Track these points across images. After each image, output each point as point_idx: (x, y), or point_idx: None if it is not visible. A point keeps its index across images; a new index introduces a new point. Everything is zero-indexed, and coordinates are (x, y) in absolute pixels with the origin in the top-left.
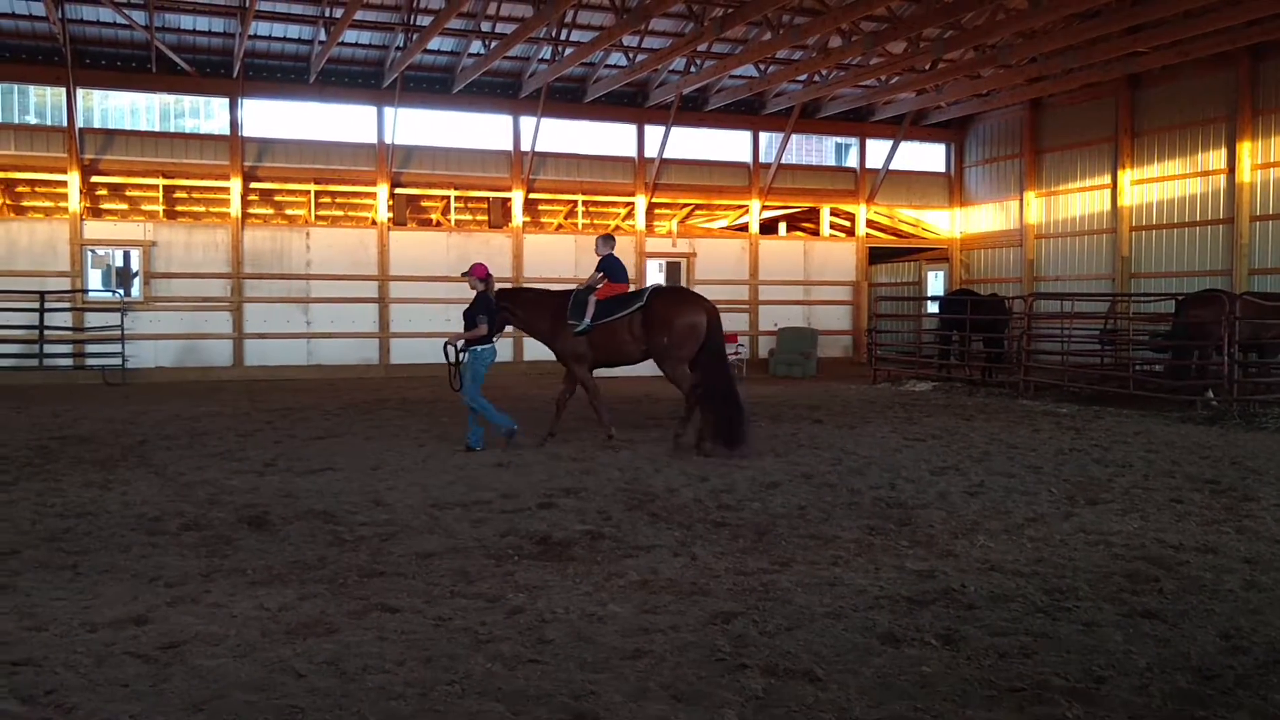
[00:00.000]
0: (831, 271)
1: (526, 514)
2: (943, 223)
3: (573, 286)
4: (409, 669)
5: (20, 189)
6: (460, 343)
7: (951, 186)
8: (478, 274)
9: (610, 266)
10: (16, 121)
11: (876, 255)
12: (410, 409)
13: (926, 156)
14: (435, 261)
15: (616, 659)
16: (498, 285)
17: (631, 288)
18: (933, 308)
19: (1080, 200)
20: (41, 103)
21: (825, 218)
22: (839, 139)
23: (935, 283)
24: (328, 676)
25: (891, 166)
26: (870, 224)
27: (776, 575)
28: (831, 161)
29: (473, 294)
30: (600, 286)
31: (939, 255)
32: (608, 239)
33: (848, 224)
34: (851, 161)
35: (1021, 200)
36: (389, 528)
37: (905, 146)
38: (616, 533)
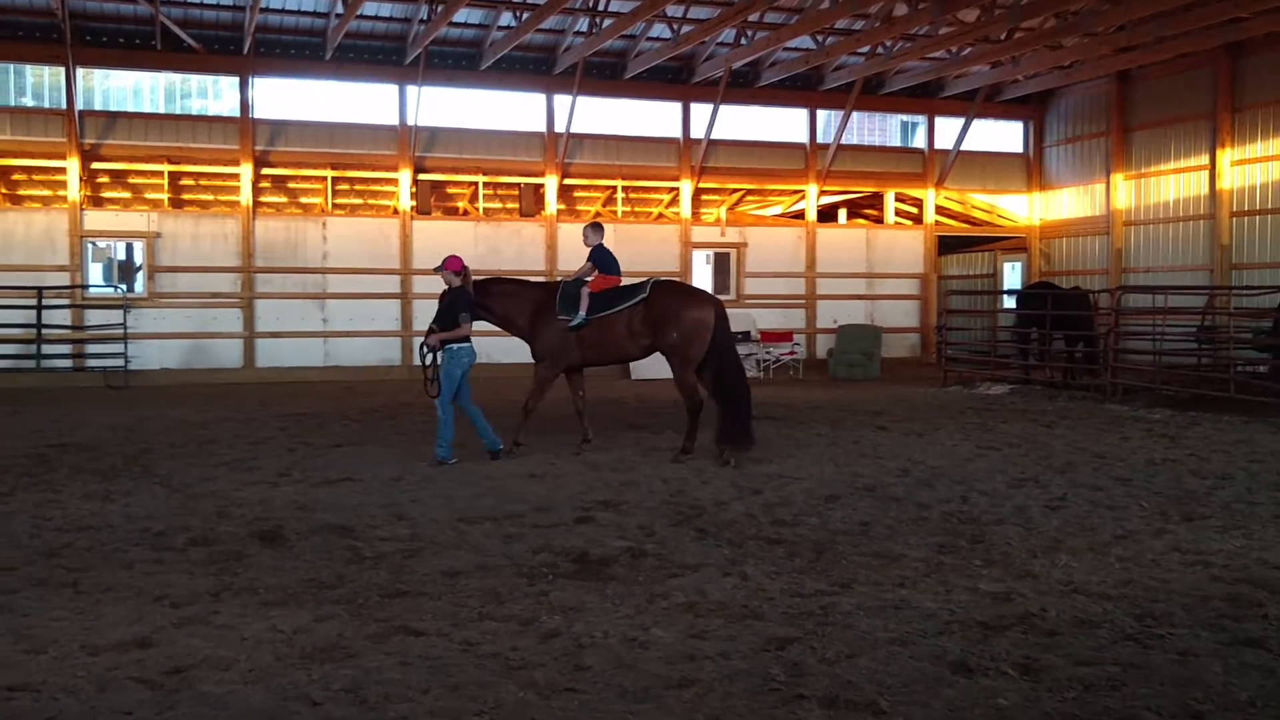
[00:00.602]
0: (897, 263)
1: (562, 529)
2: (1020, 209)
3: (557, 279)
4: (434, 698)
5: (16, 176)
6: (431, 343)
7: (1029, 168)
8: (452, 267)
9: (602, 257)
10: (12, 104)
11: (946, 245)
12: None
13: (1001, 136)
14: (462, 253)
15: (660, 688)
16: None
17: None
18: (1009, 302)
19: (1174, 183)
20: (39, 83)
21: (889, 203)
22: (905, 117)
23: (1011, 275)
24: (346, 705)
25: (963, 147)
26: (939, 210)
27: (836, 597)
28: (896, 142)
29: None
30: (591, 279)
31: (1016, 244)
32: (597, 227)
33: (914, 210)
34: (919, 141)
35: (1108, 183)
36: (412, 544)
37: (978, 125)
38: (660, 550)
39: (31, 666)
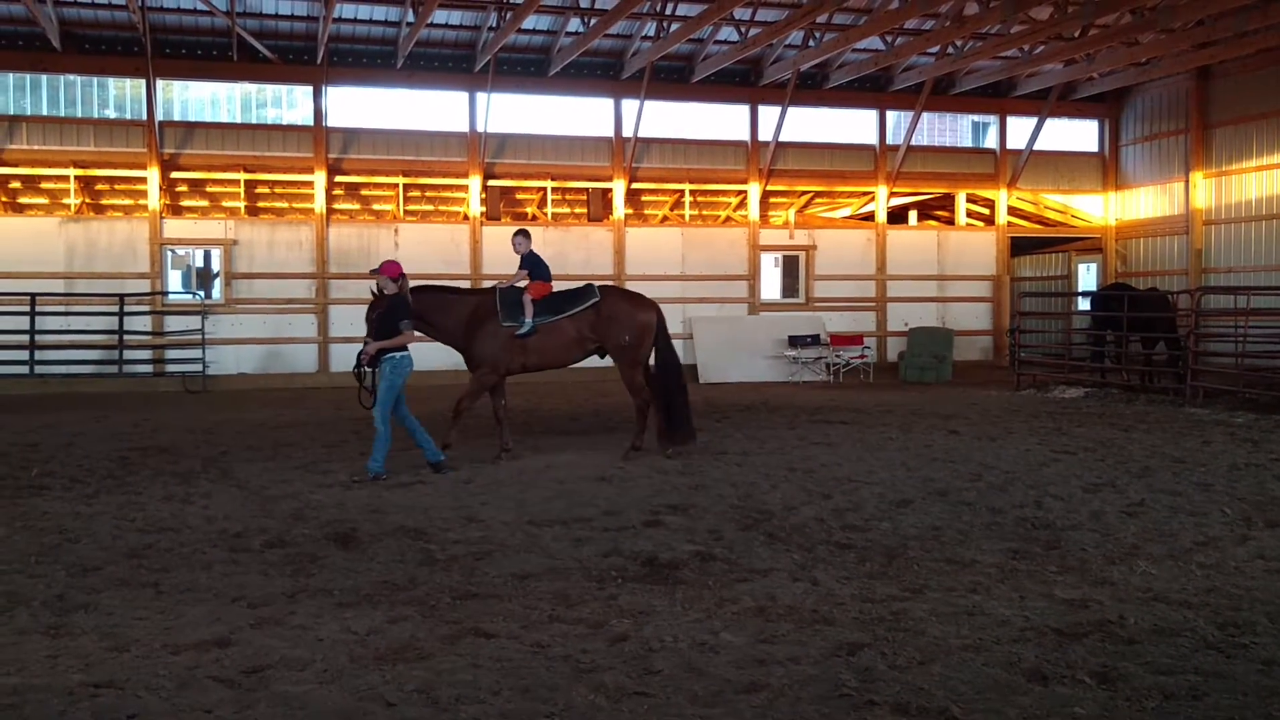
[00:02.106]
0: (968, 265)
1: (631, 533)
2: (1095, 209)
3: (485, 286)
4: (505, 699)
5: (100, 186)
6: (369, 352)
7: (1105, 168)
8: (389, 273)
9: (534, 264)
10: (96, 116)
11: (1019, 246)
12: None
13: (1076, 135)
14: None
15: (730, 693)
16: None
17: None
18: (1084, 304)
19: (1257, 181)
20: (121, 96)
21: (961, 205)
22: (976, 117)
23: (1087, 276)
24: (419, 706)
25: (1036, 146)
26: (1012, 211)
27: (908, 603)
28: (968, 142)
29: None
30: (525, 285)
31: (1091, 245)
32: (525, 234)
33: (986, 211)
34: (990, 142)
35: (1187, 182)
36: (483, 546)
37: (1051, 124)
38: (729, 554)
39: (115, 664)
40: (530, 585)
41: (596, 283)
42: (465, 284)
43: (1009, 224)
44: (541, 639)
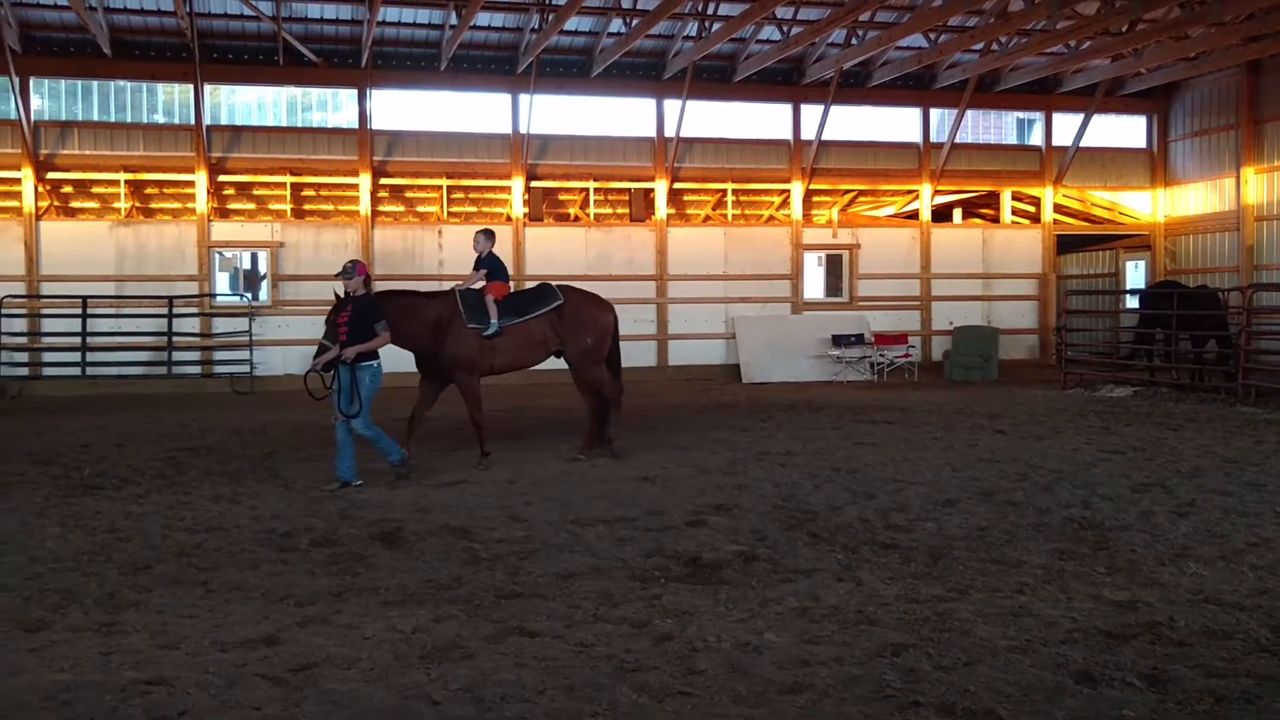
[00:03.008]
0: (1014, 263)
1: (674, 532)
2: (1143, 205)
3: (446, 288)
4: (549, 698)
5: (149, 190)
6: (348, 356)
7: (1153, 164)
8: (362, 273)
9: (494, 265)
10: (145, 121)
11: (1065, 244)
12: (548, 417)
13: (1123, 131)
14: (573, 260)
15: (774, 693)
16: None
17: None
18: (1132, 302)
19: None
20: (169, 101)
21: (1006, 202)
22: (1021, 114)
23: (1135, 274)
24: (464, 704)
25: (1082, 143)
26: (1058, 208)
27: (953, 604)
28: (1013, 139)
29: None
30: (482, 285)
31: (1138, 242)
32: (489, 234)
33: (1032, 209)
34: (1035, 139)
35: (1238, 178)
36: (527, 545)
37: (1098, 120)
38: (773, 554)
39: (165, 662)
40: (574, 585)
41: (634, 281)
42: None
43: (1055, 221)
44: (585, 638)
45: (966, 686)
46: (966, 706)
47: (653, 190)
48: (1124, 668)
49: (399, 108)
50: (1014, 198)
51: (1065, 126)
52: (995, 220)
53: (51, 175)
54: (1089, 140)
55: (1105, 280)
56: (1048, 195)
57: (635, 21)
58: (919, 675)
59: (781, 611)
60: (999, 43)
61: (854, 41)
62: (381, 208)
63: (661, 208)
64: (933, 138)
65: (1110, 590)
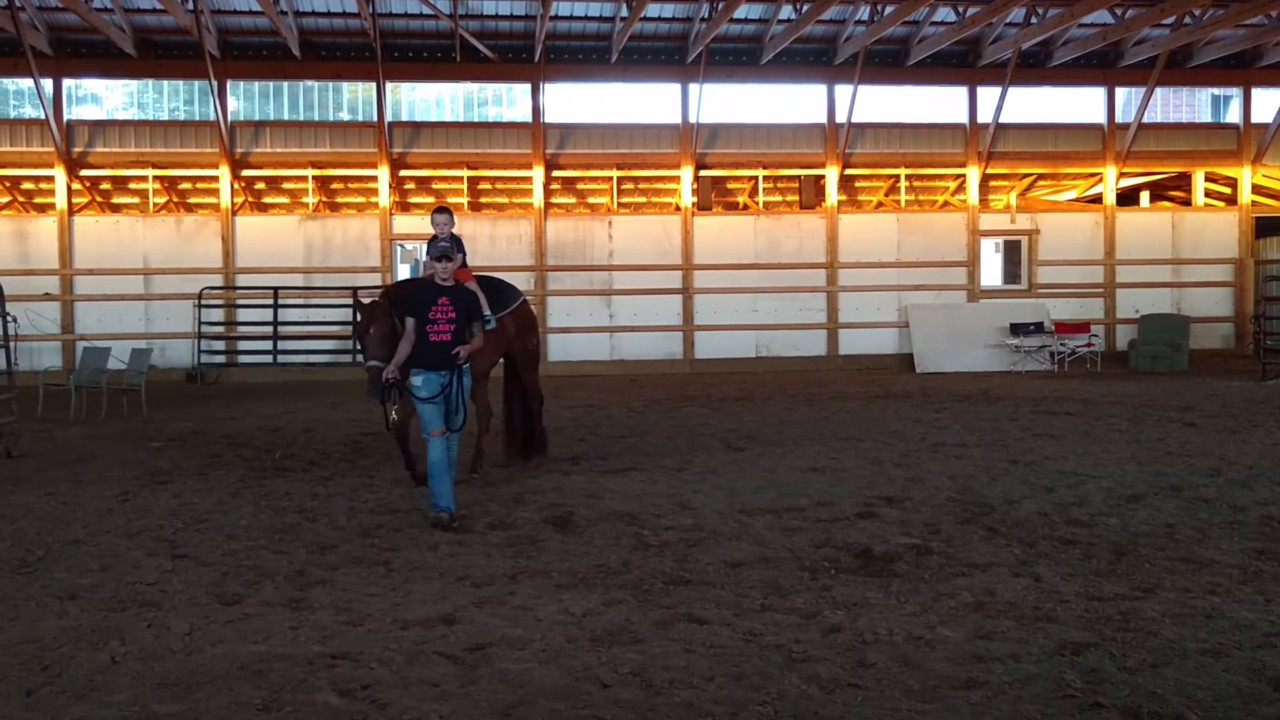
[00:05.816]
0: (1206, 248)
1: (844, 524)
2: None
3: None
4: (718, 685)
5: (334, 185)
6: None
7: None
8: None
9: (462, 248)
10: (331, 119)
11: (1265, 227)
12: (716, 408)
13: None
14: (742, 248)
15: (947, 688)
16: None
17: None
18: None
19: None
20: (353, 99)
21: (1198, 184)
22: (1215, 90)
23: None
24: (633, 688)
25: None
26: (1256, 189)
27: (1138, 603)
28: (1206, 117)
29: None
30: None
31: None
32: (448, 211)
33: (1227, 191)
34: (1232, 116)
35: None
36: (695, 533)
37: None
38: (946, 548)
39: (350, 638)
40: (742, 573)
41: (804, 270)
42: (677, 275)
43: (1253, 203)
44: (754, 627)
45: (1153, 690)
46: (1153, 710)
47: (823, 177)
48: None
49: (570, 100)
50: (1207, 179)
51: (1266, 102)
52: (1186, 203)
53: (246, 173)
54: None
55: None
56: (1245, 175)
57: (805, 7)
58: (1101, 676)
59: (955, 606)
60: (1192, 16)
61: (1033, 20)
62: (554, 200)
63: (833, 194)
64: (1118, 118)
65: None
